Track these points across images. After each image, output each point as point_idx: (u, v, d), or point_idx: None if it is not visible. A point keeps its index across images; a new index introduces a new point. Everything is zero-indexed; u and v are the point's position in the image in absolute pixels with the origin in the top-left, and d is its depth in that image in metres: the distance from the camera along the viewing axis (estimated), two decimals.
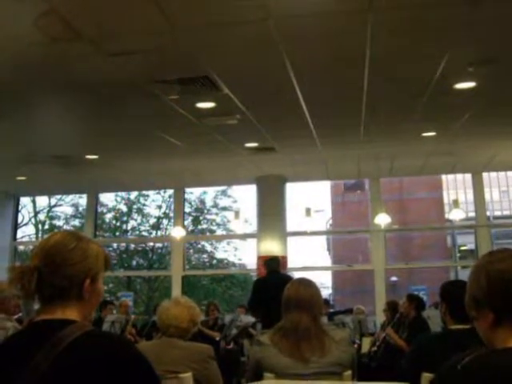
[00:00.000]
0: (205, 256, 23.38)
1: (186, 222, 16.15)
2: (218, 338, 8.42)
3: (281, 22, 4.78)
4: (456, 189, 27.90)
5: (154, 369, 1.69)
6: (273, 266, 8.22)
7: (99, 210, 17.71)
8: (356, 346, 7.86)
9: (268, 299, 6.32)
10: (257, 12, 4.58)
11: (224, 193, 22.81)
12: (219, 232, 23.48)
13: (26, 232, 22.58)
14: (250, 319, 8.82)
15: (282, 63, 5.62)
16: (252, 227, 15.11)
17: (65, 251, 1.71)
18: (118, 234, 23.11)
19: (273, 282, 7.39)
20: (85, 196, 14.86)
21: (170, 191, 17.90)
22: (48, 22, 4.60)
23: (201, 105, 6.97)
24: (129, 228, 23.33)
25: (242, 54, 5.51)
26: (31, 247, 14.81)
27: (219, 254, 23.26)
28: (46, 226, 22.99)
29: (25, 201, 20.86)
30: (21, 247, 16.15)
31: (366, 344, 8.19)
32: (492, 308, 1.55)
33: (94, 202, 14.28)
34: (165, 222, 22.75)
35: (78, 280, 1.71)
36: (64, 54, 5.31)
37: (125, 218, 23.18)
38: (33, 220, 23.04)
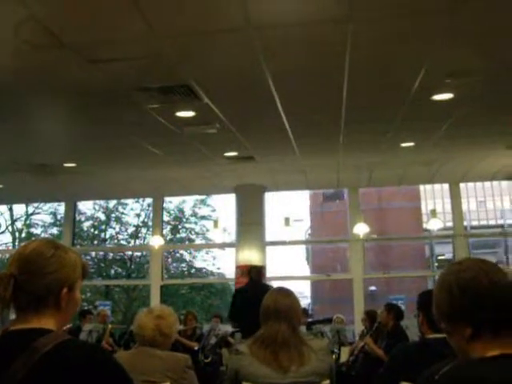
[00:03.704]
0: (183, 265, 23.30)
1: (164, 231, 16.06)
2: (196, 348, 8.38)
3: (261, 32, 4.79)
4: (434, 199, 28.22)
5: (130, 379, 1.68)
6: (254, 275, 8.27)
7: (77, 218, 17.58)
8: (335, 355, 7.86)
9: (247, 309, 6.32)
10: (237, 21, 4.59)
11: (203, 202, 22.77)
12: (198, 241, 23.43)
13: (3, 240, 22.37)
14: (229, 328, 8.79)
15: (262, 72, 5.63)
16: (231, 236, 15.09)
17: (42, 259, 1.69)
18: (96, 242, 22.94)
19: (252, 293, 7.41)
20: (63, 204, 14.75)
21: (149, 200, 17.84)
22: (28, 29, 4.57)
23: (181, 114, 6.95)
24: (107, 236, 23.17)
25: (222, 64, 5.51)
26: (8, 255, 14.64)
27: (198, 263, 23.21)
28: (24, 234, 22.75)
29: (2, 209, 20.66)
30: None
31: (345, 353, 8.18)
32: (469, 322, 1.49)
33: (71, 210, 14.15)
34: (143, 230, 22.65)
35: (55, 289, 1.69)
36: (44, 61, 5.27)
37: (103, 227, 23.02)
38: (10, 228, 22.80)
